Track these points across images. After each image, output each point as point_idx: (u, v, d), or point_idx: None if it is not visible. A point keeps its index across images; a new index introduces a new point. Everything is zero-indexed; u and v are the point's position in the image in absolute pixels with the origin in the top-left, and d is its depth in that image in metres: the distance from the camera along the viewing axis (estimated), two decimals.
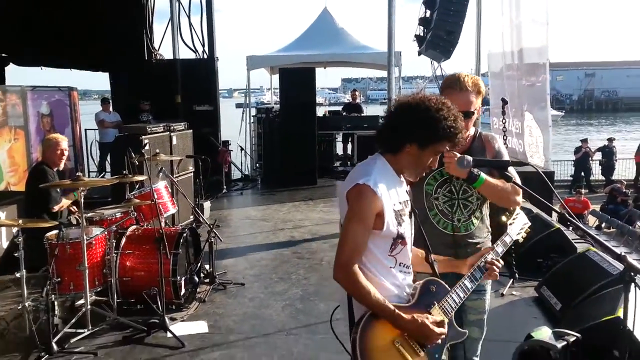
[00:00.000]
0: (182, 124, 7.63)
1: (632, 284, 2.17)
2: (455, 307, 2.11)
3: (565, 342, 3.33)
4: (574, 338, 3.35)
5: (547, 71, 9.31)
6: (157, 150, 5.93)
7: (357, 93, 14.50)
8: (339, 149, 13.33)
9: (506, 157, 2.74)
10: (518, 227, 2.42)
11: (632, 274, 2.13)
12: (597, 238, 2.45)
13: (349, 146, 12.81)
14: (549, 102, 9.55)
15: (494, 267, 2.28)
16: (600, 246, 2.39)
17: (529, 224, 2.50)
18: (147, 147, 5.27)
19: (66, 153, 5.06)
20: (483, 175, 2.49)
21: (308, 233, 7.21)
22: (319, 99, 16.42)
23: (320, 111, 13.79)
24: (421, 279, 2.17)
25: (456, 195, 2.65)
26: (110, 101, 11.33)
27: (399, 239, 2.07)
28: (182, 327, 4.26)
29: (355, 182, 2.00)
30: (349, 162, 12.69)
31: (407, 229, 2.13)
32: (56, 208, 4.86)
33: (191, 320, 4.44)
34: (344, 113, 13.03)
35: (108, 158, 10.57)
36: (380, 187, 1.99)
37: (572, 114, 58.88)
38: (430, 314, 2.02)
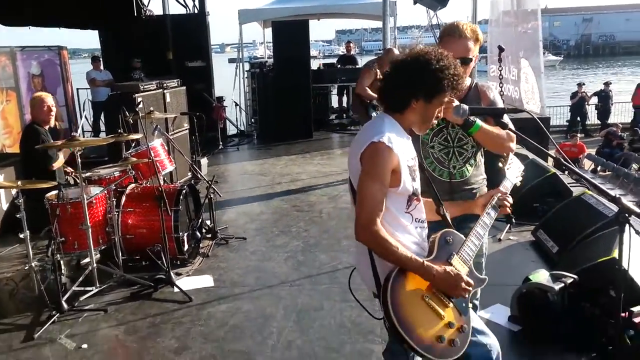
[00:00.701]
0: (175, 80, 7.53)
1: (627, 225, 2.22)
2: (472, 255, 2.12)
3: (562, 284, 3.42)
4: (571, 280, 3.44)
5: (539, 17, 9.19)
6: (151, 108, 5.87)
7: (351, 45, 14.24)
8: (334, 102, 13.22)
9: (501, 106, 2.76)
10: (515, 171, 2.44)
11: (627, 215, 2.17)
12: (592, 181, 2.48)
13: (344, 99, 12.70)
14: (541, 48, 9.46)
15: (505, 202, 2.31)
16: (595, 189, 2.42)
17: (523, 167, 2.53)
18: (141, 105, 5.22)
19: (54, 109, 4.98)
20: (479, 121, 2.51)
21: (306, 186, 7.25)
22: (312, 52, 16.11)
23: (314, 64, 13.57)
24: (431, 228, 2.19)
25: (451, 144, 2.68)
26: (101, 59, 11.12)
27: (414, 195, 2.09)
28: (187, 282, 4.34)
29: (370, 140, 1.98)
30: (344, 115, 12.61)
31: (419, 185, 2.14)
32: (55, 165, 4.85)
33: (196, 274, 4.52)
34: (339, 65, 12.85)
35: (102, 117, 10.47)
36: (395, 142, 1.98)
37: (569, 60, 58.22)
38: (451, 264, 2.03)
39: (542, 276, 3.55)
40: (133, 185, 4.83)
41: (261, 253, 4.98)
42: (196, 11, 11.28)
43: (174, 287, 4.19)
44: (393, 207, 2.04)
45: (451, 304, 1.98)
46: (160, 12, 11.45)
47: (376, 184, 1.95)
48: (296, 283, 4.32)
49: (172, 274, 4.26)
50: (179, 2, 11.43)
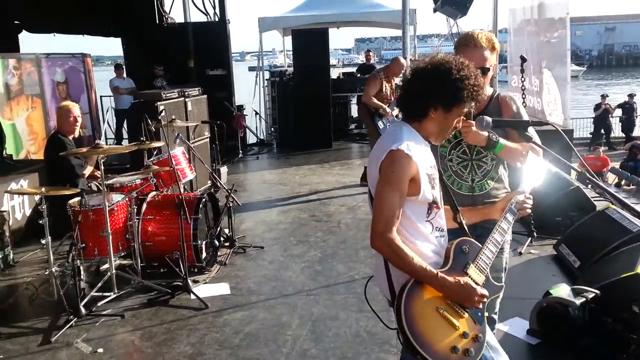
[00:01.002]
0: (197, 89, 7.61)
1: None
2: (489, 263, 2.08)
3: (584, 299, 3.36)
4: (593, 295, 3.38)
5: (568, 26, 9.03)
6: (173, 117, 5.94)
7: (371, 54, 14.27)
8: (354, 112, 13.24)
9: (526, 118, 2.71)
10: (534, 172, 2.35)
11: None
12: (617, 195, 2.43)
13: None
14: (569, 58, 9.30)
15: (525, 204, 2.24)
16: (620, 203, 2.37)
17: (544, 167, 2.46)
18: (163, 114, 5.29)
19: (79, 120, 5.04)
20: (502, 140, 2.48)
21: (325, 196, 7.25)
22: (332, 61, 16.19)
23: (334, 73, 13.62)
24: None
25: (470, 157, 2.65)
26: (124, 67, 11.31)
27: (434, 203, 2.07)
28: (204, 289, 4.36)
29: (389, 149, 1.98)
30: (364, 125, 12.60)
31: (439, 194, 2.12)
32: (86, 173, 4.92)
33: (213, 282, 4.54)
34: (358, 74, 12.87)
35: (124, 125, 10.64)
36: (414, 151, 1.98)
37: (591, 70, 57.45)
38: (467, 274, 2.01)
39: (563, 290, 3.49)
40: (154, 193, 4.88)
41: (278, 262, 4.99)
42: (217, 19, 11.42)
43: (191, 294, 4.22)
44: (413, 216, 2.03)
45: (466, 314, 1.96)
46: (182, 20, 11.61)
47: (395, 192, 1.95)
48: (312, 292, 4.31)
49: (189, 281, 4.28)
50: (200, 10, 11.59)
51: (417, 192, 2.00)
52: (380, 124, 7.03)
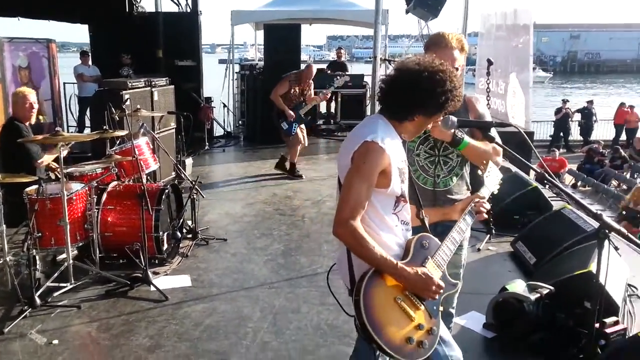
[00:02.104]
0: (164, 79, 7.49)
1: (606, 241, 2.25)
2: (447, 260, 2.14)
3: (538, 295, 3.46)
4: (547, 290, 3.49)
5: (531, 32, 9.30)
6: (138, 106, 5.85)
7: (342, 51, 14.29)
8: (323, 108, 13.24)
9: (489, 119, 2.78)
10: (493, 179, 2.46)
11: (607, 231, 2.21)
12: (573, 196, 2.52)
13: (333, 104, 12.73)
14: (531, 63, 9.58)
15: (482, 208, 2.32)
16: (576, 204, 2.46)
17: (502, 176, 2.55)
18: (127, 103, 5.20)
19: (35, 106, 4.88)
20: (466, 138, 2.54)
21: (290, 190, 7.25)
22: (303, 56, 16.18)
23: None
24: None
25: (437, 152, 2.70)
26: (90, 54, 11.03)
27: (402, 197, 2.11)
28: (165, 281, 4.31)
29: (363, 139, 2.00)
30: (332, 121, 12.63)
31: (407, 187, 2.16)
32: (45, 161, 4.78)
33: (174, 274, 4.49)
34: (329, 71, 12.88)
35: (87, 113, 10.37)
36: (388, 144, 2.00)
37: (555, 76, 58.95)
38: (425, 268, 2.04)
39: (518, 286, 3.58)
40: (115, 183, 4.79)
41: (241, 255, 4.96)
42: (189, 10, 11.24)
43: (151, 285, 4.15)
44: (380, 207, 2.06)
45: (422, 306, 2.00)
46: (153, 9, 11.39)
47: (364, 182, 1.97)
48: (275, 285, 4.31)
49: (149, 272, 4.22)
50: (172, 0, 11.39)
51: (387, 185, 2.03)
52: (285, 125, 7.58)
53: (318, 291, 4.14)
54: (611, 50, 75.18)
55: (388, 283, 1.96)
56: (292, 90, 7.62)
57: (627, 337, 3.11)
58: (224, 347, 3.40)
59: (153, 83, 6.97)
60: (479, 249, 5.01)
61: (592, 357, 2.89)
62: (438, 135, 2.56)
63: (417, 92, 2.02)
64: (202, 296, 4.11)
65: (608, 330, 3.15)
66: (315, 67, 7.84)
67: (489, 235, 5.21)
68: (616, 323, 3.25)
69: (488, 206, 2.35)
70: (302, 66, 8.11)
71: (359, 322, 1.88)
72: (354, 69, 16.37)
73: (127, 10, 10.78)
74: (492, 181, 2.44)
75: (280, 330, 3.59)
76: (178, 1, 11.42)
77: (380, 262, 1.94)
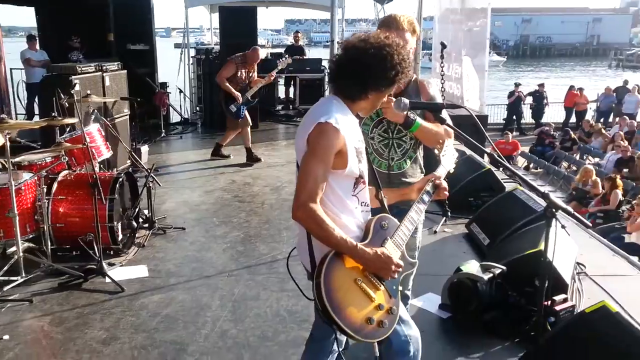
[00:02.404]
0: (116, 64, 7.27)
1: (553, 219, 2.34)
2: (405, 240, 2.16)
3: (491, 274, 3.56)
4: (499, 270, 3.60)
5: (489, 15, 9.42)
6: (89, 92, 5.66)
7: (299, 35, 14.18)
8: (281, 93, 13.15)
9: (440, 101, 2.82)
10: (450, 158, 2.50)
11: (554, 210, 2.29)
12: (523, 177, 2.59)
13: (291, 89, 12.66)
14: (488, 47, 9.74)
15: (441, 186, 2.34)
16: (526, 185, 2.54)
17: (457, 154, 2.59)
18: (77, 88, 5.00)
19: None
20: (419, 120, 2.57)
21: (249, 177, 7.20)
22: (261, 41, 15.97)
23: (262, 53, 13.36)
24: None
25: (391, 135, 2.73)
26: (37, 38, 10.57)
27: (361, 178, 2.11)
28: (120, 272, 4.22)
29: (317, 121, 1.99)
30: (290, 106, 12.57)
31: (365, 168, 2.17)
32: None
33: (130, 265, 4.40)
34: (286, 55, 12.77)
35: (36, 99, 9.97)
36: (342, 124, 2.00)
37: (508, 60, 60.37)
38: (385, 248, 2.07)
39: (472, 267, 3.68)
40: (66, 172, 4.63)
41: (200, 243, 4.91)
42: None
43: (106, 277, 4.06)
44: (339, 189, 2.06)
45: (382, 287, 2.03)
46: None
47: (320, 164, 1.96)
48: (234, 273, 4.29)
49: (104, 264, 4.12)
50: None
51: (344, 165, 2.03)
52: (232, 108, 7.54)
53: (277, 278, 4.15)
54: (562, 34, 77.55)
55: (348, 265, 1.98)
56: (239, 72, 7.54)
57: (575, 313, 3.25)
58: (182, 337, 3.37)
59: (104, 68, 6.75)
60: (435, 232, 5.12)
61: (542, 334, 3.01)
62: (391, 118, 2.58)
63: (366, 69, 2.03)
64: (159, 286, 4.05)
65: (557, 308, 3.29)
66: (261, 50, 7.78)
67: (444, 218, 5.32)
68: (565, 300, 3.40)
69: (446, 184, 2.37)
70: (261, 50, 7.99)
71: (320, 304, 1.89)
72: (312, 53, 16.30)
73: None
74: (449, 160, 2.47)
75: (239, 318, 3.58)
76: None
77: (340, 244, 1.95)
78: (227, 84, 7.38)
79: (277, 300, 3.81)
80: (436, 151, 2.54)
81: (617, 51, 63.83)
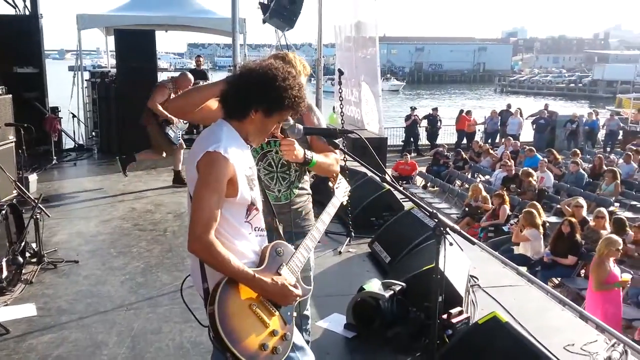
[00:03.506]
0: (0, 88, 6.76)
1: (443, 237, 2.47)
2: (301, 266, 2.20)
3: (392, 292, 3.69)
4: (400, 287, 3.74)
5: (377, 44, 9.95)
6: None
7: (201, 59, 14.06)
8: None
9: (324, 126, 2.94)
10: (342, 190, 2.60)
11: (442, 228, 2.43)
12: (413, 198, 2.73)
13: None
14: (379, 73, 10.26)
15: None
16: (417, 205, 2.67)
17: (350, 187, 2.70)
18: None
19: None
20: (315, 157, 2.64)
21: (151, 204, 6.93)
22: (163, 64, 15.65)
23: (165, 76, 13.04)
24: None
25: (275, 169, 2.77)
26: None
27: (252, 205, 2.11)
28: (4, 312, 3.87)
29: (205, 150, 1.97)
30: (194, 130, 12.32)
31: (258, 194, 2.17)
32: None
33: (16, 304, 4.05)
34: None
35: None
36: (231, 152, 1.99)
37: (406, 85, 63.72)
38: (280, 274, 2.08)
39: (374, 285, 3.79)
40: None
41: (95, 277, 4.63)
42: (27, 12, 10.27)
43: None
44: (232, 217, 2.05)
45: (277, 313, 2.04)
46: None
47: (213, 194, 1.95)
48: (133, 306, 4.08)
49: None
50: (7, 1, 10.30)
51: (235, 193, 2.03)
52: (171, 133, 7.55)
53: (181, 308, 3.99)
54: (451, 61, 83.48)
55: (243, 291, 1.97)
56: (171, 97, 7.33)
57: (470, 325, 3.44)
58: None
59: None
60: (340, 252, 5.22)
61: (441, 346, 3.15)
62: (291, 159, 2.59)
63: (250, 86, 2.06)
64: (49, 325, 3.76)
65: (453, 320, 3.47)
66: (190, 75, 7.70)
67: (348, 238, 5.46)
68: (460, 313, 3.59)
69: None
70: (160, 74, 7.83)
71: (214, 332, 1.87)
72: (215, 77, 16.15)
73: None
74: (341, 192, 2.58)
75: (139, 354, 3.41)
76: (15, 3, 10.39)
77: (238, 274, 1.95)
78: (161, 109, 7.12)
79: (180, 332, 3.67)
80: (330, 184, 2.63)
81: (500, 77, 69.72)
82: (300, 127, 2.46)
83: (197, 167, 1.99)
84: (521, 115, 18.46)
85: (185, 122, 7.60)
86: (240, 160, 2.05)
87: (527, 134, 18.64)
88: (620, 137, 18.93)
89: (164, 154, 7.78)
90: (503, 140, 16.31)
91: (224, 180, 1.97)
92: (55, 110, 10.29)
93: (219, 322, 1.85)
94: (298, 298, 2.09)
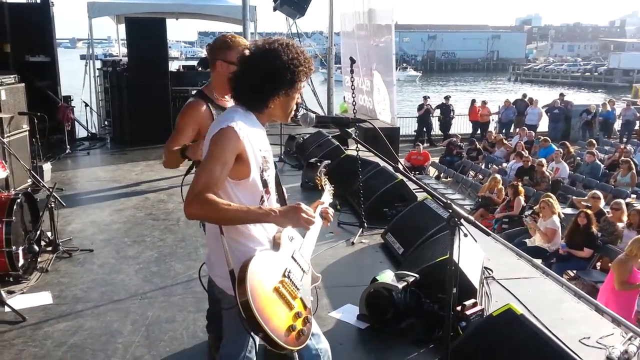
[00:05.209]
0: (12, 76, 6.79)
1: (457, 228, 2.44)
2: (309, 254, 2.22)
3: (405, 283, 3.67)
4: (413, 278, 3.71)
5: (393, 32, 9.82)
6: None
7: None
8: None
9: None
10: (327, 194, 2.61)
11: (457, 219, 2.40)
12: (427, 188, 2.69)
13: None
14: (394, 62, 10.14)
15: (328, 214, 2.44)
16: (431, 195, 2.64)
17: (332, 190, 2.70)
18: None
19: None
20: None
21: (163, 193, 6.96)
22: (174, 53, 15.63)
23: (175, 65, 13.07)
24: None
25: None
26: None
27: (265, 186, 2.10)
28: (21, 300, 3.91)
29: (219, 127, 1.97)
30: None
31: (272, 178, 2.16)
32: None
33: (32, 292, 4.09)
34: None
35: None
36: (244, 129, 1.98)
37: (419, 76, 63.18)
38: (295, 259, 2.10)
39: (387, 276, 3.77)
40: None
41: (109, 265, 4.66)
42: (39, 1, 10.30)
43: (5, 306, 3.74)
44: (246, 202, 2.03)
45: (299, 295, 2.03)
46: None
47: (217, 163, 1.93)
48: (147, 295, 4.10)
49: (2, 292, 3.81)
50: None
51: (247, 173, 2.01)
52: None
53: (194, 297, 4.02)
54: (465, 49, 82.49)
55: (268, 272, 1.95)
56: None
57: (484, 317, 3.42)
58: None
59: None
60: (353, 243, 5.20)
61: (454, 338, 3.13)
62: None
63: (260, 79, 2.01)
64: (65, 313, 3.79)
65: (467, 312, 3.44)
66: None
67: (361, 229, 5.43)
68: (475, 305, 3.56)
69: (332, 211, 2.46)
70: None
71: (246, 312, 1.82)
72: None
73: None
74: (327, 196, 2.57)
75: (153, 343, 3.43)
76: None
77: (245, 215, 1.93)
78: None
79: (194, 322, 3.69)
80: (317, 181, 2.62)
81: (515, 66, 68.83)
82: (313, 116, 2.43)
83: (210, 142, 1.99)
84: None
85: None
86: (253, 138, 2.03)
87: (542, 124, 18.40)
88: (636, 127, 18.62)
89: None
90: (517, 130, 16.12)
91: (230, 152, 1.95)
92: (67, 99, 10.35)
93: (253, 302, 1.83)
94: (312, 219, 2.04)
